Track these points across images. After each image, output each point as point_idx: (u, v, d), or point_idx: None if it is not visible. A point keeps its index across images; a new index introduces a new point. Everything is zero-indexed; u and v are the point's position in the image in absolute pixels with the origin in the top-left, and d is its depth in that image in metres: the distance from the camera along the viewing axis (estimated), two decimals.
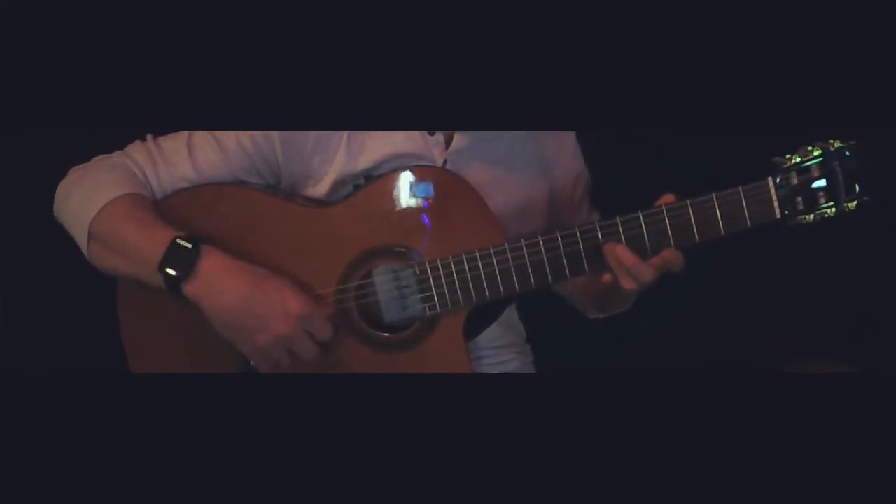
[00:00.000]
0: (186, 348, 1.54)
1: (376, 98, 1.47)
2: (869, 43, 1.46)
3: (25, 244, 1.95)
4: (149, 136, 1.57)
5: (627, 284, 1.45)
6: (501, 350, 1.71)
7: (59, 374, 1.50)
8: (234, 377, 1.53)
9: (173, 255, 1.44)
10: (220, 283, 1.44)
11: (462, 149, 1.57)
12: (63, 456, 1.41)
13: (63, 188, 1.55)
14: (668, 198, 1.46)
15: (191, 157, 1.53)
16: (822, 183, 1.46)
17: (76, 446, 1.41)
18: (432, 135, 1.56)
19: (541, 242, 1.48)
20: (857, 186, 1.46)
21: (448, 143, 1.57)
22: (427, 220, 1.51)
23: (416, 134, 1.56)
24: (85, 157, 1.58)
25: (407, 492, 1.38)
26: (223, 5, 1.45)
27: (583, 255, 1.47)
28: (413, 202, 1.51)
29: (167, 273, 1.44)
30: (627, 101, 1.48)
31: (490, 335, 1.64)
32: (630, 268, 1.44)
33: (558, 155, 1.67)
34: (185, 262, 1.44)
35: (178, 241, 1.45)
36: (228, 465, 1.40)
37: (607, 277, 1.49)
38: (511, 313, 1.72)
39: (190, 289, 1.44)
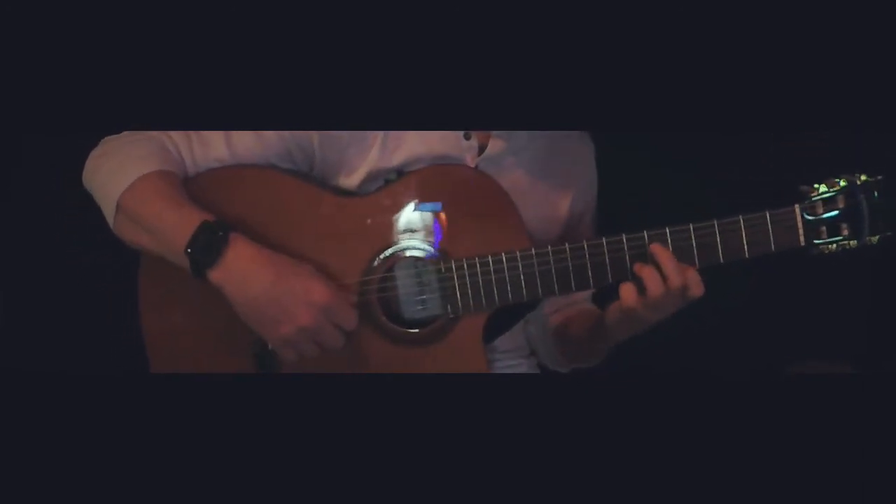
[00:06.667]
0: (204, 330, 1.53)
1: (410, 98, 1.46)
2: (869, 43, 1.44)
3: (25, 244, 1.94)
4: None
5: (655, 290, 1.43)
6: (510, 353, 1.72)
7: (59, 373, 1.49)
8: (243, 376, 1.52)
9: (201, 239, 1.43)
10: (246, 273, 1.44)
11: (494, 156, 1.58)
12: (63, 456, 1.40)
13: (95, 157, 1.53)
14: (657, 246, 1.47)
15: (227, 138, 1.53)
16: (846, 215, 1.48)
17: (76, 446, 1.40)
18: (468, 139, 1.57)
19: (567, 250, 1.49)
20: (880, 221, 1.49)
21: (482, 149, 1.58)
22: (453, 219, 1.51)
23: (451, 136, 1.57)
24: (84, 159, 1.55)
25: (415, 490, 1.38)
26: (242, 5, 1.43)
27: (608, 265, 1.48)
28: (443, 200, 1.51)
29: (193, 257, 1.44)
30: (642, 101, 1.46)
31: (500, 339, 1.64)
32: (669, 269, 1.43)
33: (579, 173, 1.70)
34: (213, 248, 1.43)
35: (207, 225, 1.44)
36: (238, 464, 1.39)
37: (614, 310, 1.50)
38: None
39: (215, 276, 1.44)
